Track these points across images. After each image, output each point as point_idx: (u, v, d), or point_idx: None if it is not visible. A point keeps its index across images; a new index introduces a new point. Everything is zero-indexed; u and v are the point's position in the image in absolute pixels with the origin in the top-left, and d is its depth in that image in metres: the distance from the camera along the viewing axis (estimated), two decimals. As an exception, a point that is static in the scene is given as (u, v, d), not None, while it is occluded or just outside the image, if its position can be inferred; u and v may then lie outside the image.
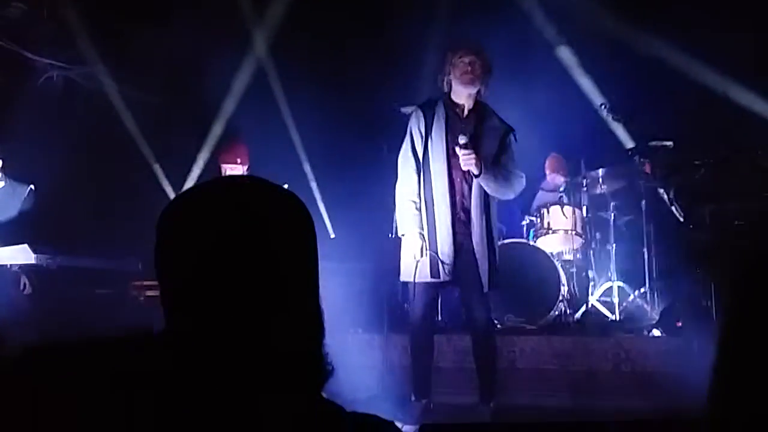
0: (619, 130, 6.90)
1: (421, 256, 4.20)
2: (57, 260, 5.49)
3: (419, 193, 4.27)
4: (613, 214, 6.44)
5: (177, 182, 7.73)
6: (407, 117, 4.46)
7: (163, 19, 7.14)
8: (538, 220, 6.29)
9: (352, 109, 7.12)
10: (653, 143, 6.19)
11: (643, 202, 6.26)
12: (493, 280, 4.27)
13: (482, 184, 4.22)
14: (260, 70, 7.99)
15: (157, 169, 7.90)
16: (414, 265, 4.21)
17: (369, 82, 6.92)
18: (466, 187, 4.24)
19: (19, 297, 5.28)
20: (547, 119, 6.90)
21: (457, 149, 4.16)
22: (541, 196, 6.84)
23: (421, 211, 4.24)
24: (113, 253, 6.23)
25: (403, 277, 4.33)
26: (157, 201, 7.64)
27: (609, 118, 6.36)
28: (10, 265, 5.34)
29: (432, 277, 4.20)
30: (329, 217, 7.65)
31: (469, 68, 4.21)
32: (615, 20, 7.10)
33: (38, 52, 7.35)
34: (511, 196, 4.43)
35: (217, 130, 7.87)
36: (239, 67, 7.86)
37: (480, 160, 4.15)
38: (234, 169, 5.68)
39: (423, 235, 4.22)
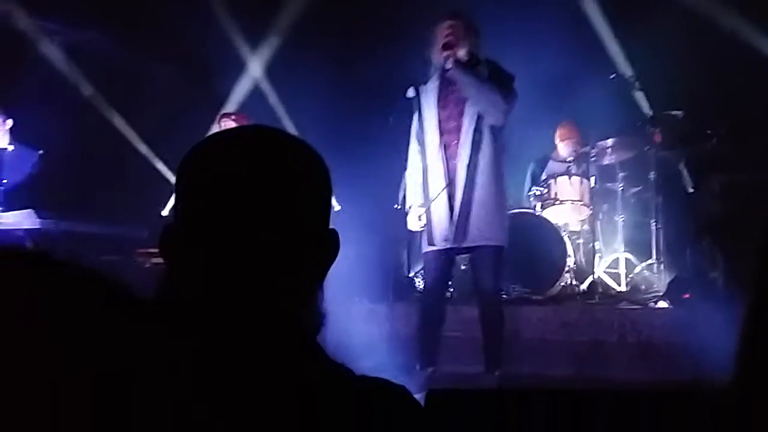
0: (632, 99, 6.75)
1: (422, 224, 4.20)
2: (62, 225, 5.47)
3: (419, 167, 4.27)
4: (621, 185, 6.38)
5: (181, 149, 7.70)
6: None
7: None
8: (545, 190, 6.24)
9: (356, 78, 7.04)
10: (663, 113, 6.12)
11: (652, 173, 6.19)
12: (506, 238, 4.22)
13: (460, 83, 4.16)
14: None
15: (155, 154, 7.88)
16: (420, 235, 4.22)
17: (373, 51, 6.84)
18: (462, 150, 4.15)
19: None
20: (557, 87, 6.80)
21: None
22: (551, 166, 6.72)
23: (422, 183, 4.25)
24: (120, 219, 6.23)
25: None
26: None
27: (631, 86, 6.24)
28: (15, 229, 5.33)
29: (429, 245, 4.20)
30: (334, 188, 7.60)
31: (448, 32, 4.17)
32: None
33: (45, 16, 7.29)
34: (497, 115, 4.15)
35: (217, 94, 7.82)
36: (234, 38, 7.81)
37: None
38: (228, 124, 5.67)
39: (422, 205, 4.22)
